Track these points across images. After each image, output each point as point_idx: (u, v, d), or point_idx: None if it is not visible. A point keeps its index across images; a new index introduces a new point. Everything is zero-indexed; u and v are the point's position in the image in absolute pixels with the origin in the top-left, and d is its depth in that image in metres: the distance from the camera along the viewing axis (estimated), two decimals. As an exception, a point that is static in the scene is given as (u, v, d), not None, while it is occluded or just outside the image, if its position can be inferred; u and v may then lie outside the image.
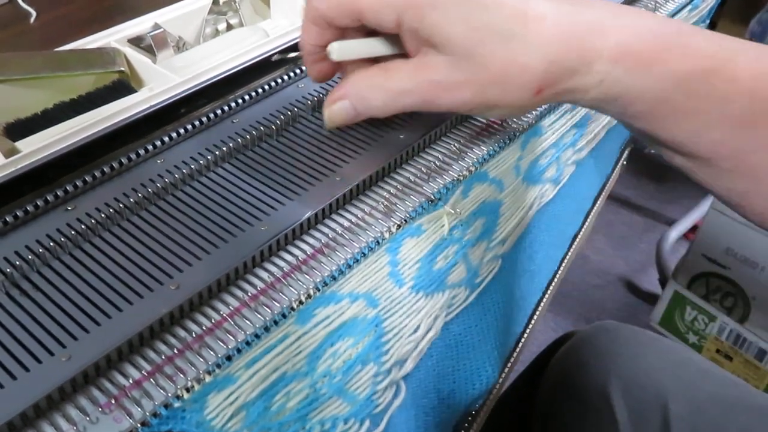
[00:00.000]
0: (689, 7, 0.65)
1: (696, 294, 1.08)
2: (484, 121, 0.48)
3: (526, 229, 0.51)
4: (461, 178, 0.44)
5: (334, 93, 0.39)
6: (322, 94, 0.48)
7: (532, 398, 0.71)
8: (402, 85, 0.37)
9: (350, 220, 0.40)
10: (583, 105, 0.38)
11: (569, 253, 0.70)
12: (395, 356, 0.39)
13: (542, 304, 0.63)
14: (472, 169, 0.45)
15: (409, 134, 0.45)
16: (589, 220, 0.73)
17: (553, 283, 0.64)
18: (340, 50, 0.38)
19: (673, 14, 0.63)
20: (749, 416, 0.58)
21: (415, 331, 0.40)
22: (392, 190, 0.43)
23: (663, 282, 1.31)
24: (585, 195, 0.65)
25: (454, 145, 0.46)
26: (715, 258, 1.02)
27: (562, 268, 0.65)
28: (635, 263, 1.64)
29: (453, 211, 0.43)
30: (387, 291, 0.39)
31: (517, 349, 0.58)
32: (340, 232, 0.40)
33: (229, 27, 0.54)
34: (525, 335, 0.60)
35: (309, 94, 0.48)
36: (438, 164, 0.45)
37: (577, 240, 0.71)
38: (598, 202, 0.83)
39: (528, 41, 0.35)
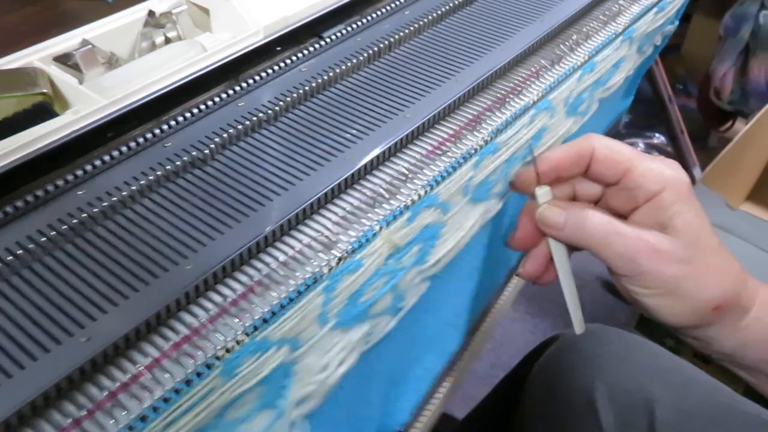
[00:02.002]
0: (655, 9, 0.62)
1: (672, 297, 1.06)
2: (437, 138, 0.46)
3: (465, 247, 0.48)
4: (409, 204, 0.41)
5: (558, 202, 0.43)
6: (262, 113, 0.45)
7: (515, 404, 0.69)
8: (623, 230, 0.41)
9: (286, 254, 0.37)
10: (727, 344, 0.43)
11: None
12: (296, 397, 0.36)
13: (487, 320, 0.60)
14: (422, 192, 0.42)
15: (354, 156, 0.43)
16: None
17: (501, 299, 0.62)
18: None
19: (639, 17, 0.61)
20: (737, 424, 0.58)
21: (324, 369, 0.37)
22: (334, 219, 0.40)
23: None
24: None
25: (404, 167, 0.43)
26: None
27: (513, 281, 0.62)
28: (614, 262, 1.61)
29: (392, 240, 0.40)
30: (311, 333, 0.36)
31: (454, 371, 0.55)
32: (274, 267, 0.37)
33: (168, 41, 0.51)
34: (465, 353, 0.57)
35: (249, 113, 0.45)
36: (385, 188, 0.42)
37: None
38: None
39: (729, 258, 0.42)
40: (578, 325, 0.45)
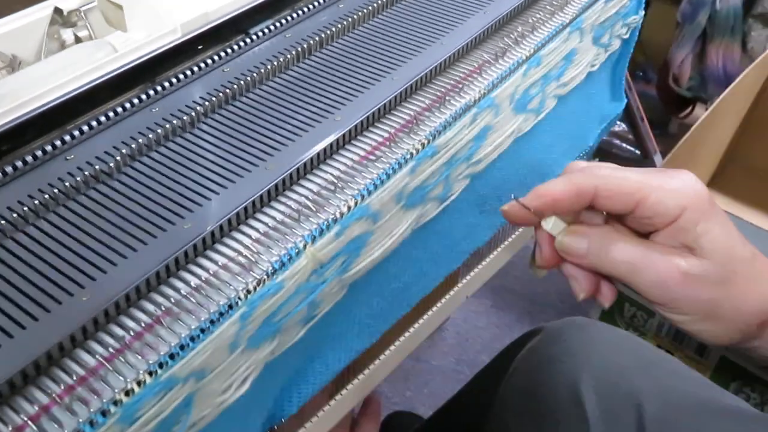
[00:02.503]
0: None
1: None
2: (370, 142, 0.42)
3: (392, 251, 0.45)
4: (338, 217, 0.38)
5: (578, 228, 0.41)
6: (178, 119, 0.41)
7: (490, 399, 0.68)
8: (652, 257, 0.39)
9: (200, 278, 0.34)
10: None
11: (483, 264, 0.63)
12: (192, 422, 0.33)
13: (415, 327, 0.57)
14: (352, 204, 0.39)
15: (278, 164, 0.39)
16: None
17: (441, 303, 0.58)
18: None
19: (588, 6, 0.58)
20: (725, 419, 0.57)
21: (225, 391, 0.34)
22: (255, 236, 0.36)
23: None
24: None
25: (333, 175, 0.40)
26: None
27: (459, 285, 0.59)
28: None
29: (318, 257, 0.36)
30: (220, 361, 0.33)
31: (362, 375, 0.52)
32: (186, 293, 0.33)
33: (78, 40, 0.47)
34: (382, 357, 0.54)
35: (163, 119, 0.41)
36: (312, 199, 0.38)
37: (498, 251, 0.65)
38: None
39: (767, 266, 0.40)
40: None
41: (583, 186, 0.40)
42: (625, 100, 0.74)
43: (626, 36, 0.64)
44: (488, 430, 0.67)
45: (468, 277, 0.62)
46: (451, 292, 0.59)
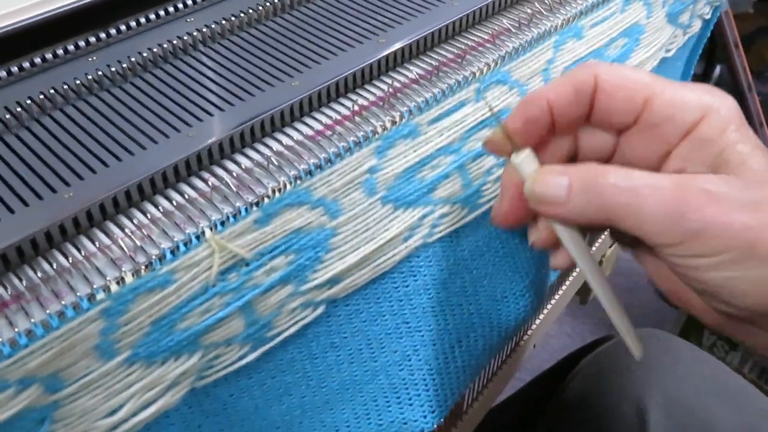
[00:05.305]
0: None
1: (717, 317, 0.91)
2: (330, 117, 0.35)
3: (403, 264, 0.37)
4: (260, 200, 0.31)
5: (552, 168, 0.31)
6: (119, 73, 0.35)
7: (547, 402, 0.63)
8: (658, 181, 0.28)
9: (69, 260, 0.28)
10: None
11: (555, 302, 0.52)
12: None
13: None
14: (283, 186, 0.31)
15: (204, 132, 0.32)
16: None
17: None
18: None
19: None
20: None
21: (113, 413, 0.27)
22: (155, 214, 0.30)
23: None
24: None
25: (272, 149, 0.33)
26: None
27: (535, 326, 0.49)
28: (670, 265, 1.45)
29: (229, 248, 0.29)
30: (85, 368, 0.27)
31: None
32: (43, 278, 0.27)
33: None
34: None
35: (96, 70, 0.35)
36: (237, 175, 0.32)
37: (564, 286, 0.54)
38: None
39: None
40: (634, 346, 0.35)
41: (581, 78, 0.30)
42: None
43: (708, 16, 0.53)
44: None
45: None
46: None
